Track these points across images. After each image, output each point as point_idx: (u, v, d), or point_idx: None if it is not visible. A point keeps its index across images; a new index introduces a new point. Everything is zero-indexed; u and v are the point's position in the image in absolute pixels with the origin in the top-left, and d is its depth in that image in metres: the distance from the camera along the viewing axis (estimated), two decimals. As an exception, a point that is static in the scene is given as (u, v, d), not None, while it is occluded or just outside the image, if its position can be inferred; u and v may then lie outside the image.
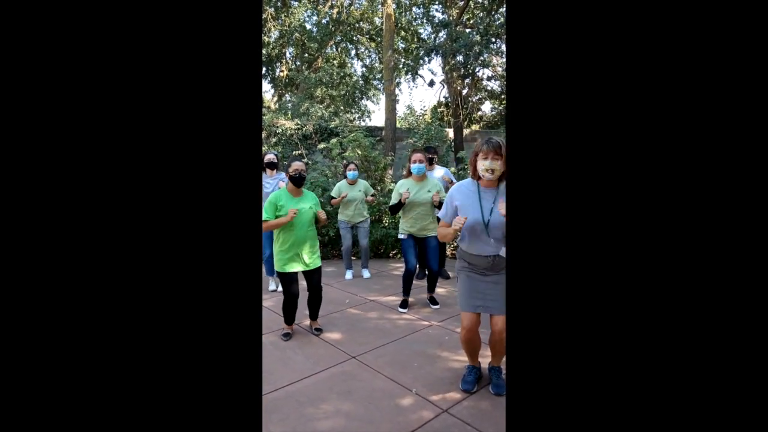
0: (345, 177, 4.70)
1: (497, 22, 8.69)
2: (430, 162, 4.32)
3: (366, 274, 4.83)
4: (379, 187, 6.52)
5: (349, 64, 14.27)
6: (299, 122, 8.58)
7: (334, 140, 6.83)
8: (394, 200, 3.59)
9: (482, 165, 2.02)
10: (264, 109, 9.51)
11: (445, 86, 11.40)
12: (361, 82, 13.12)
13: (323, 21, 11.94)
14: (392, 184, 6.84)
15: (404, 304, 3.64)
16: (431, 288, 3.80)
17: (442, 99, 12.49)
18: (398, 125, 10.48)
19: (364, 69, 14.12)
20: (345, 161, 5.00)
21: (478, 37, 8.31)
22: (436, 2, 10.91)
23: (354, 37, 13.50)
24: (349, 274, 4.78)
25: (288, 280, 2.96)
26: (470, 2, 10.32)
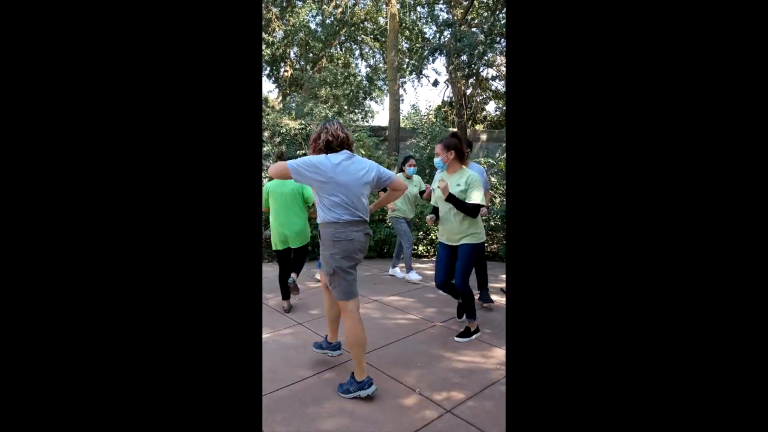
0: (402, 171, 4.53)
1: (501, 22, 8.67)
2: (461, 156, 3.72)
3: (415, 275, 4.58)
4: (382, 187, 6.52)
5: (354, 64, 14.29)
6: (303, 122, 8.60)
7: (337, 140, 6.82)
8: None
9: None
10: (268, 109, 9.53)
11: (450, 86, 11.39)
12: (365, 82, 13.13)
13: (327, 21, 11.95)
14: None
15: (466, 333, 2.96)
16: (459, 313, 3.22)
17: (447, 99, 12.47)
18: (402, 125, 10.48)
19: (368, 69, 14.14)
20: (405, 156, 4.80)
21: (482, 37, 8.29)
22: (441, 2, 10.89)
23: (358, 37, 13.52)
24: (414, 275, 4.55)
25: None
26: (475, 2, 10.30)
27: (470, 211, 2.73)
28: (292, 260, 3.73)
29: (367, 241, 2.28)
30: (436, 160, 2.96)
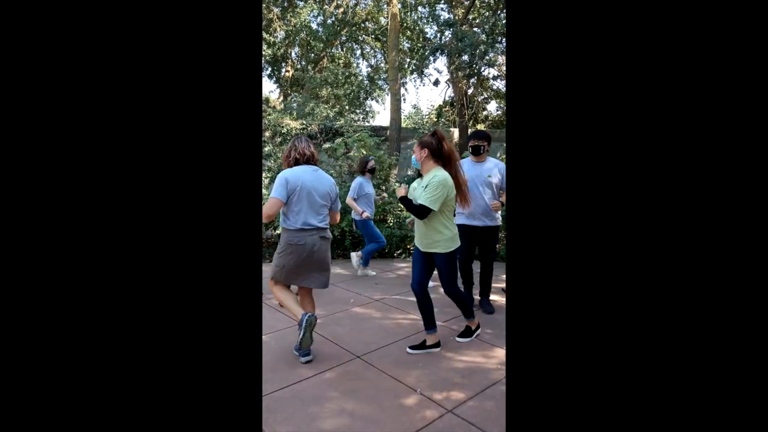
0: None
1: (503, 22, 8.67)
2: (477, 152, 3.39)
3: None
4: (384, 187, 6.53)
5: (355, 64, 14.30)
6: (304, 122, 8.61)
7: (339, 140, 6.84)
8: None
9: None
10: (269, 109, 9.55)
11: (451, 86, 11.39)
12: (366, 81, 13.14)
13: (329, 21, 11.96)
14: (396, 184, 6.85)
15: (421, 345, 2.79)
16: (464, 312, 2.91)
17: (448, 98, 12.47)
18: (403, 125, 10.48)
19: (369, 69, 14.15)
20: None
21: (483, 37, 8.30)
22: (442, 1, 10.89)
23: (359, 37, 13.53)
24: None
25: None
26: (476, 1, 10.29)
27: (415, 211, 2.56)
28: None
29: (323, 244, 2.61)
30: (413, 158, 2.82)
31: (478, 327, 2.99)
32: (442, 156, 2.61)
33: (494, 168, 3.39)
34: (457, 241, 2.68)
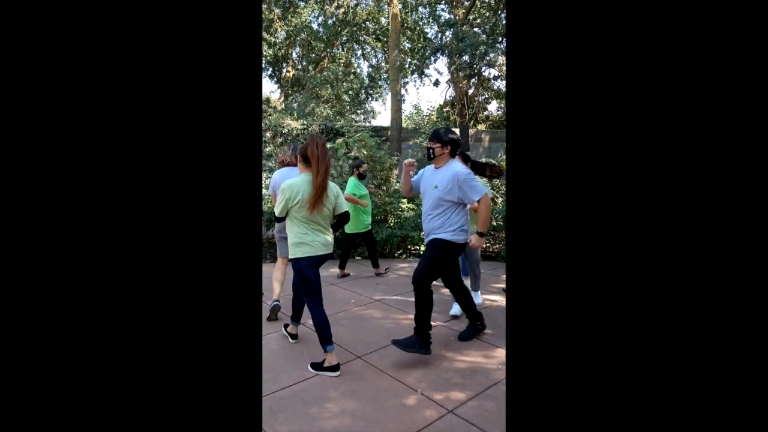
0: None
1: (503, 22, 8.67)
2: (427, 155, 2.81)
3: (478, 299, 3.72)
4: (384, 187, 6.53)
5: (356, 64, 14.32)
6: (305, 122, 8.61)
7: (339, 140, 6.84)
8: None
9: None
10: (270, 110, 9.56)
11: (451, 86, 11.39)
12: (367, 81, 13.15)
13: (329, 21, 11.97)
14: (397, 184, 6.86)
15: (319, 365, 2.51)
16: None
17: (448, 98, 12.47)
18: (404, 125, 10.48)
19: (370, 69, 14.17)
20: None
21: (484, 37, 8.31)
22: (443, 2, 10.90)
23: (360, 37, 13.55)
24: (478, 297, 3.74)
25: None
26: (476, 2, 10.30)
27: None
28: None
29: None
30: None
31: (334, 366, 2.49)
32: (306, 159, 2.48)
33: (449, 176, 2.65)
34: (305, 251, 2.48)
